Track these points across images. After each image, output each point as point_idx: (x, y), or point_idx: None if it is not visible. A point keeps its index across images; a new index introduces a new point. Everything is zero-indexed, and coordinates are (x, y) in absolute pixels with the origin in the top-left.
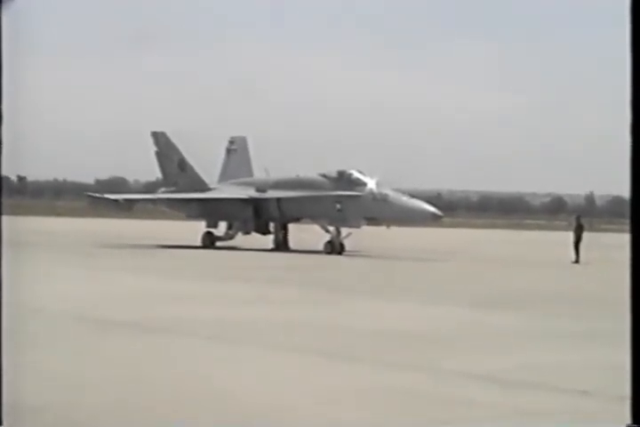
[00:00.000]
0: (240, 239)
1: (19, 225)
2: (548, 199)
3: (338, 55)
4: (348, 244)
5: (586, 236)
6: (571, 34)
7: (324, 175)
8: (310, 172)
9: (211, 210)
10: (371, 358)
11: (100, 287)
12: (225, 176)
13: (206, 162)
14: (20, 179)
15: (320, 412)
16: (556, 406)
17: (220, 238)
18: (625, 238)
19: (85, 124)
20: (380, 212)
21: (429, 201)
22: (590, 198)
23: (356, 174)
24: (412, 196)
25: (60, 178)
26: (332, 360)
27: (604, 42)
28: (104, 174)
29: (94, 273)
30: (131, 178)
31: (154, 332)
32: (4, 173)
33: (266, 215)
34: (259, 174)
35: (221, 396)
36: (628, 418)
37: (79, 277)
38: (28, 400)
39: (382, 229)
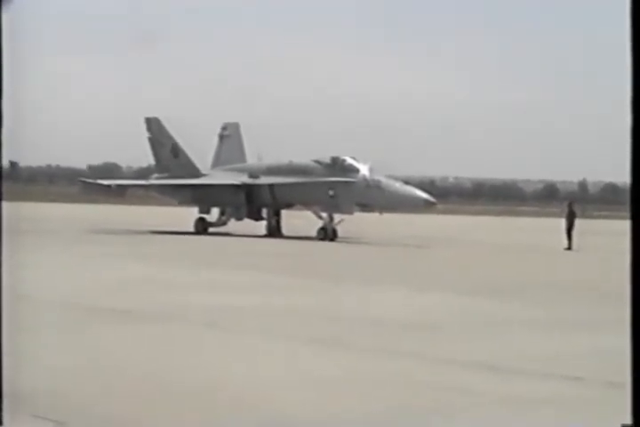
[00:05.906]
0: (233, 225)
1: (11, 211)
2: (541, 186)
3: (335, 44)
4: (340, 230)
5: (578, 222)
6: (570, 31)
7: (318, 161)
8: (303, 158)
9: (203, 196)
10: (356, 345)
11: (92, 274)
12: (218, 162)
13: (199, 148)
14: (12, 164)
15: (304, 390)
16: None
17: (212, 224)
18: (617, 225)
19: (78, 110)
20: (373, 198)
21: (423, 188)
22: (583, 185)
23: (349, 161)
24: (406, 182)
25: (53, 164)
26: (321, 346)
27: (603, 38)
28: (97, 160)
29: (87, 260)
30: (123, 164)
31: (146, 319)
32: None
33: (258, 201)
34: (252, 160)
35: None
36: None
37: (71, 264)
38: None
39: (375, 215)
